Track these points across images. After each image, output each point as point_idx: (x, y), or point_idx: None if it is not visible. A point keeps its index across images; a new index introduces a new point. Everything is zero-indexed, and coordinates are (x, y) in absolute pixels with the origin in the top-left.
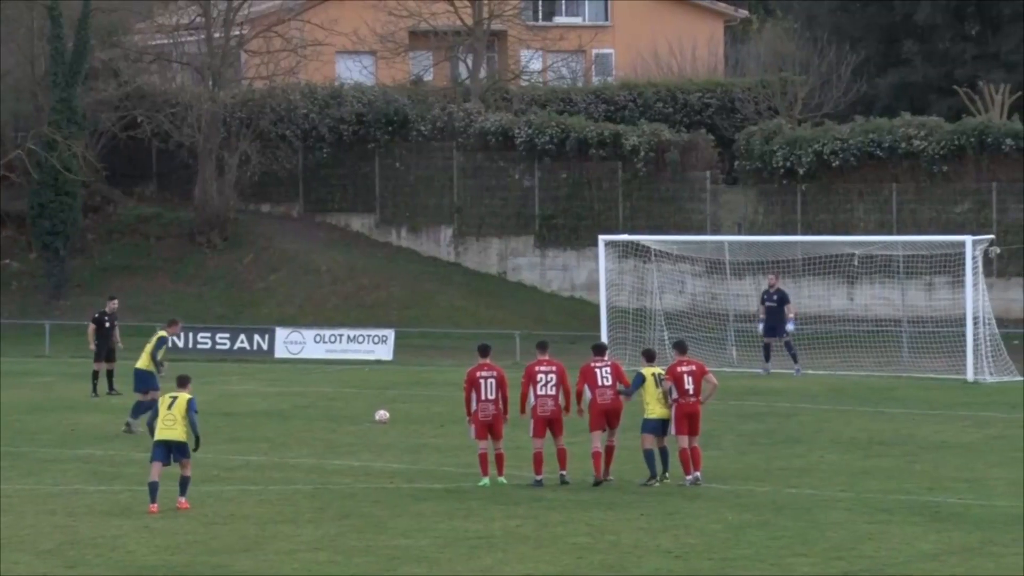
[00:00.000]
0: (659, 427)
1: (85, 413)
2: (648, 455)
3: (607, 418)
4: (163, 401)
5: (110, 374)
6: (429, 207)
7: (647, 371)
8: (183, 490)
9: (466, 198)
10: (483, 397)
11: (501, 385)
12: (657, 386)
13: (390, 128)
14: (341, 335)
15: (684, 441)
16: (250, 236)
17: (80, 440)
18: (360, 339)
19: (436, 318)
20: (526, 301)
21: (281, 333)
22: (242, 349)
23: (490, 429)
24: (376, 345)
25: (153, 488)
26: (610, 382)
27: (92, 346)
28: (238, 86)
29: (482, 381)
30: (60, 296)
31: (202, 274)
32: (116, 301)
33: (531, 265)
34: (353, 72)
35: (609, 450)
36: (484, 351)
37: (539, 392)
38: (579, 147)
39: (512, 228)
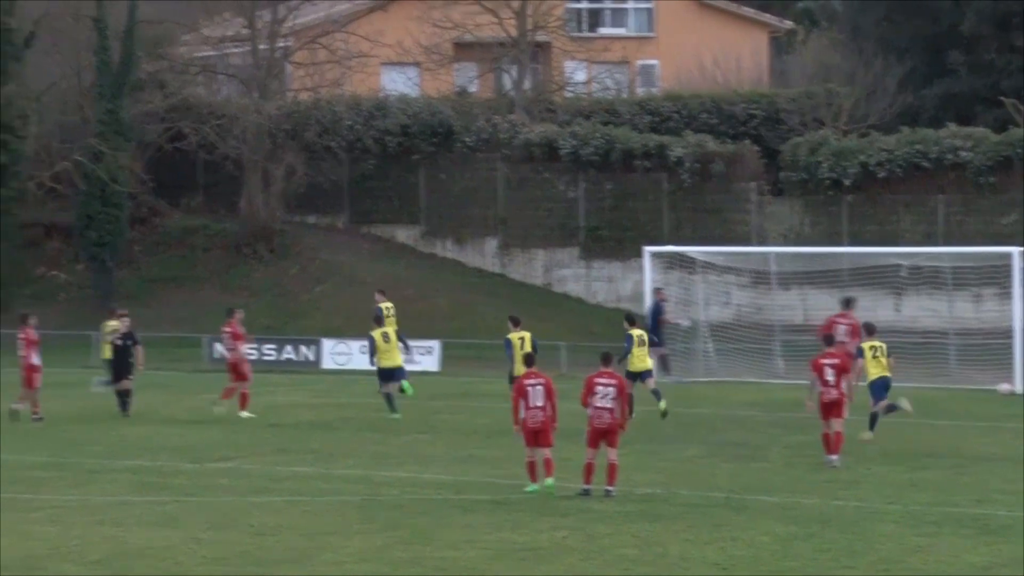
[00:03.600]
0: (639, 375)
1: (132, 424)
2: (630, 397)
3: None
4: None
5: (129, 394)
6: (474, 218)
7: (634, 333)
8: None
9: (511, 209)
10: (531, 404)
11: (549, 393)
12: (641, 345)
13: (435, 140)
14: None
15: (828, 426)
16: (296, 247)
17: (128, 450)
18: (416, 350)
19: (481, 329)
20: (571, 312)
21: (327, 344)
22: (288, 360)
23: (537, 436)
24: (422, 356)
25: None
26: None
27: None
28: (283, 98)
29: (530, 389)
30: (106, 308)
31: (248, 285)
32: (125, 318)
33: (576, 276)
34: (398, 84)
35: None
36: (529, 360)
37: (597, 404)
38: (624, 158)
39: (557, 239)
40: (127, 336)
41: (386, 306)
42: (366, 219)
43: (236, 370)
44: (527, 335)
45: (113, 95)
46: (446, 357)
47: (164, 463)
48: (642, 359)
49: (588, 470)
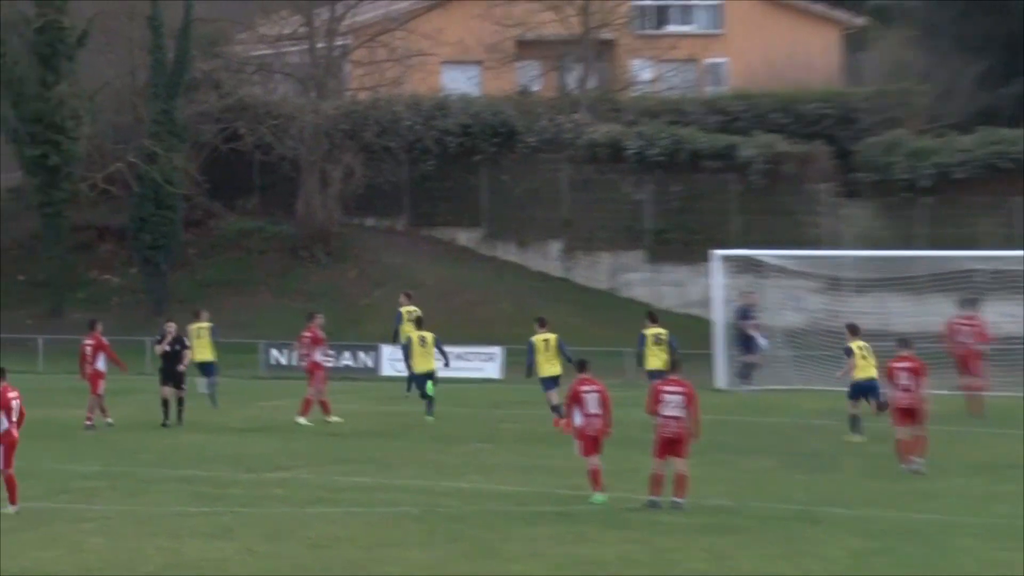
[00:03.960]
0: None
1: (186, 432)
2: None
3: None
4: None
5: (180, 403)
6: (537, 221)
7: (648, 331)
8: None
9: (575, 211)
10: (588, 412)
11: (604, 400)
12: (655, 344)
13: (496, 140)
14: (453, 353)
15: (903, 432)
16: (354, 250)
17: (182, 460)
18: (468, 357)
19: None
20: (637, 318)
21: (386, 350)
22: (347, 367)
23: (596, 444)
24: (484, 363)
25: None
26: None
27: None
28: (342, 97)
29: (585, 396)
30: (161, 312)
31: (305, 289)
32: (171, 324)
33: (642, 280)
34: (459, 82)
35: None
36: (582, 366)
37: (664, 412)
38: (691, 159)
39: (622, 242)
40: (176, 341)
41: (408, 310)
42: (426, 221)
43: (313, 376)
44: (552, 337)
45: (168, 95)
46: (509, 364)
47: (219, 473)
48: (657, 358)
49: (656, 481)
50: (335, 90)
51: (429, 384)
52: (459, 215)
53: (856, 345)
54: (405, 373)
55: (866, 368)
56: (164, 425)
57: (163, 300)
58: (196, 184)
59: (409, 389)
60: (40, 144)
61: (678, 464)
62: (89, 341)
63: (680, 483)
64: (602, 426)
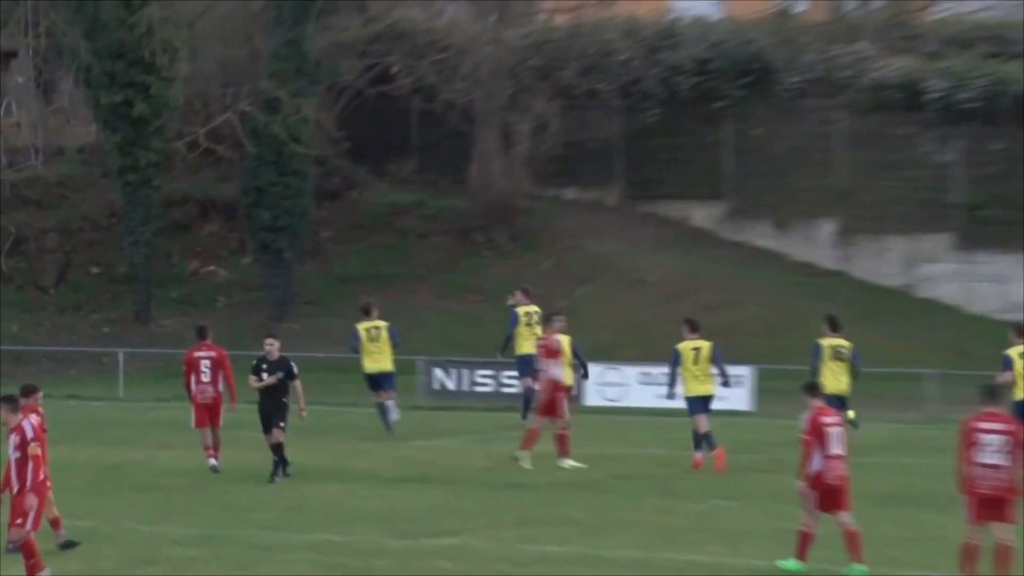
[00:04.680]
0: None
1: (317, 481)
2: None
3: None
4: None
5: (276, 450)
6: (801, 192)
7: (825, 343)
8: None
9: (855, 179)
10: (830, 452)
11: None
12: (833, 358)
13: (745, 80)
14: (587, 364)
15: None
16: (548, 233)
17: (309, 519)
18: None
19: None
20: (942, 326)
21: (593, 370)
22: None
23: (837, 495)
24: (730, 389)
25: None
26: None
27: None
28: (531, 22)
29: (829, 431)
30: (284, 316)
31: (481, 286)
32: (275, 341)
33: (949, 275)
34: (693, 3)
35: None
36: (812, 389)
37: (981, 459)
38: (1018, 107)
39: (921, 222)
40: (279, 365)
41: (526, 311)
42: (647, 192)
43: (548, 401)
44: (705, 345)
45: (294, 21)
46: (762, 389)
47: (361, 537)
48: (836, 379)
49: (970, 553)
50: (523, 13)
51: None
52: (693, 184)
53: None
54: (620, 402)
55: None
56: (274, 479)
57: (286, 301)
58: (333, 142)
59: (526, 416)
60: (121, 88)
61: (1001, 531)
62: (206, 353)
63: (1004, 557)
64: (843, 471)
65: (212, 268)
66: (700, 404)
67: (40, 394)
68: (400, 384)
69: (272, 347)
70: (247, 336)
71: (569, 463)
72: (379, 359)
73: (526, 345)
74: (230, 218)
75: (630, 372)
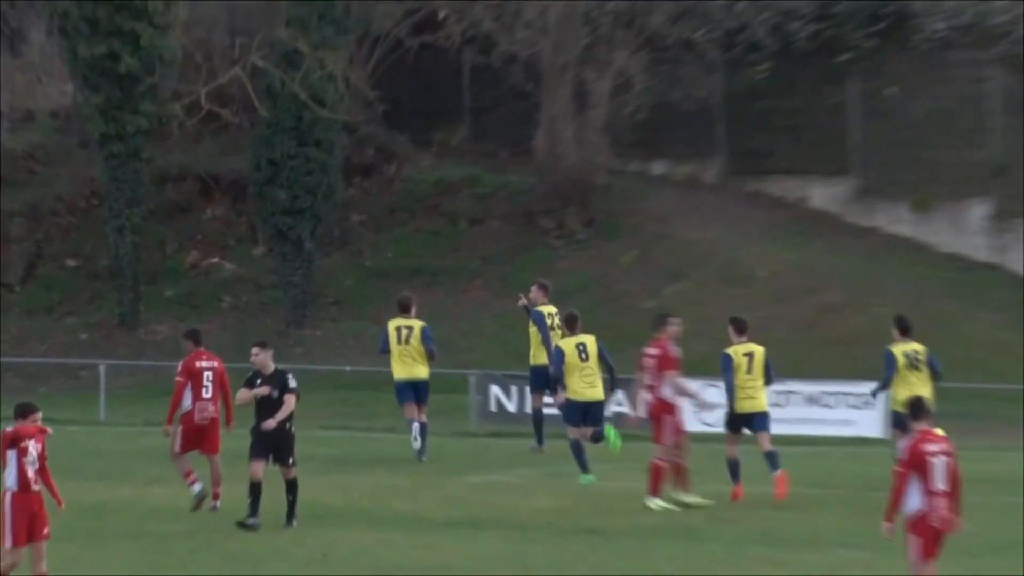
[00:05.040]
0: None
1: (345, 526)
2: None
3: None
4: None
5: (290, 488)
6: (946, 167)
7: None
8: None
9: (1013, 151)
10: (934, 487)
11: (953, 470)
12: (909, 367)
13: (877, 28)
14: (802, 393)
15: None
16: (632, 217)
17: (337, 574)
18: (839, 401)
19: (963, 362)
20: None
21: (694, 387)
22: (618, 414)
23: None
24: (858, 411)
25: None
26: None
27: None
28: None
29: (932, 460)
30: (303, 321)
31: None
32: (261, 351)
33: None
34: None
35: None
36: (917, 409)
37: None
38: None
39: None
40: (275, 379)
41: (550, 311)
42: (754, 167)
43: (663, 423)
44: (759, 351)
45: None
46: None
47: None
48: (913, 392)
49: None
50: None
51: (610, 430)
52: (812, 157)
53: None
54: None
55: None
56: (246, 526)
57: (306, 303)
58: (365, 105)
59: (541, 441)
60: (105, 38)
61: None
62: (208, 363)
63: None
64: (951, 513)
65: (216, 261)
66: (751, 422)
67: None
68: (448, 405)
69: (259, 357)
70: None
71: (658, 503)
72: (411, 364)
73: (542, 354)
74: (238, 199)
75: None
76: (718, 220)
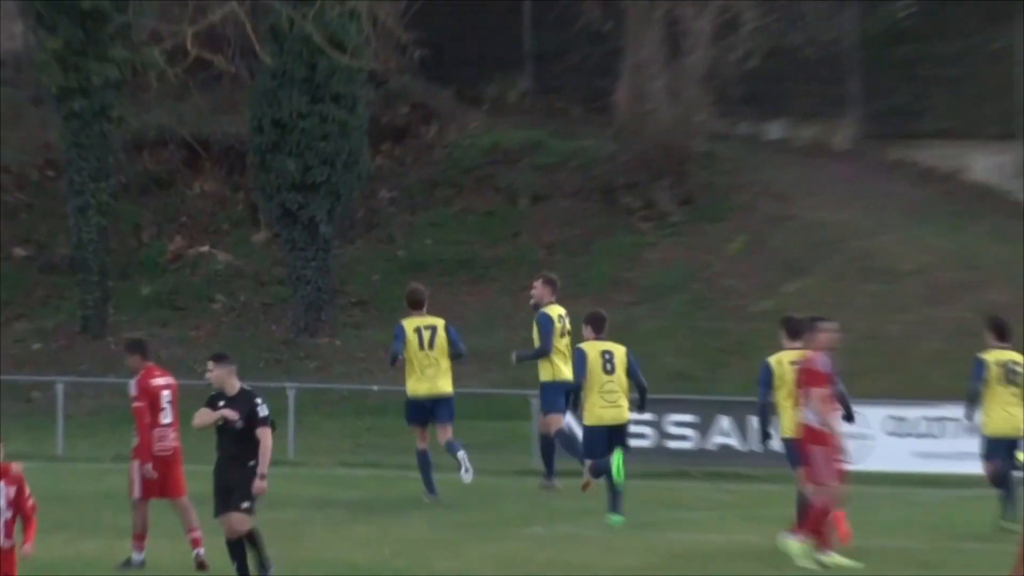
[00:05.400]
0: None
1: None
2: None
3: None
4: None
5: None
6: None
7: (990, 357)
8: None
9: None
10: None
11: None
12: (1004, 382)
13: None
14: (962, 421)
15: None
16: (742, 194)
17: None
18: None
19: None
20: None
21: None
22: (708, 453)
23: None
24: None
25: None
26: None
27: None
28: None
29: None
30: (317, 327)
31: (632, 279)
32: (216, 366)
33: None
34: None
35: None
36: None
37: None
38: None
39: None
40: (241, 402)
41: (560, 312)
42: (898, 130)
43: (813, 457)
44: (793, 358)
45: None
46: None
47: None
48: (1006, 410)
49: None
50: None
51: (617, 457)
52: (972, 117)
53: None
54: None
55: None
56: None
57: (321, 302)
58: (398, 50)
59: (551, 475)
60: None
61: None
62: (165, 380)
63: None
64: None
65: (205, 249)
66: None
67: None
68: (505, 434)
69: (213, 374)
70: (260, 356)
71: (796, 544)
72: (433, 376)
73: (562, 368)
74: (234, 170)
75: (874, 416)
76: (851, 197)
